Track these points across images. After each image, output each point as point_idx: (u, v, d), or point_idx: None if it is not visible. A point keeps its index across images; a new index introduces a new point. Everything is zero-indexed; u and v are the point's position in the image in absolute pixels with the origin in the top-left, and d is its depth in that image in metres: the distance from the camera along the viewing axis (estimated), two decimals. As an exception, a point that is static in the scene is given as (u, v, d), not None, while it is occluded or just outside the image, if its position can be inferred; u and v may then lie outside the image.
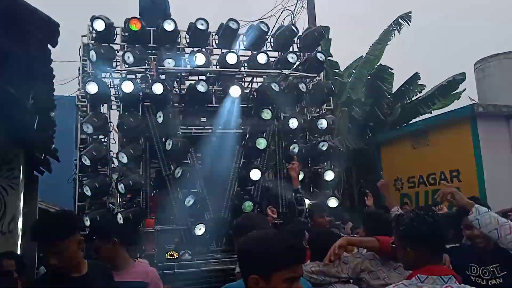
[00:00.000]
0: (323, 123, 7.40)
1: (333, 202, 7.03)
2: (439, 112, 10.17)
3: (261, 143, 6.94)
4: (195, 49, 7.18)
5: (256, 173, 6.83)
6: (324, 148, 7.31)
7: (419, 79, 11.46)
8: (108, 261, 2.81)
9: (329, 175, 7.25)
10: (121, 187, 6.28)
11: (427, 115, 10.59)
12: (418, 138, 8.77)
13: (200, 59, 6.90)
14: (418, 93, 11.58)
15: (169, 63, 6.87)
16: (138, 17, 7.02)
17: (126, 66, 6.86)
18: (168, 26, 6.87)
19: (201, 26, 6.98)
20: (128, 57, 6.63)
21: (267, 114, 7.03)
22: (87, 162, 6.30)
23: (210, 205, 6.72)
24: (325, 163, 7.82)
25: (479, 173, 7.37)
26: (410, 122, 10.60)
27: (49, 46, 2.37)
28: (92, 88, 6.28)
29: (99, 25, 6.63)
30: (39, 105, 3.48)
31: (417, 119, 10.66)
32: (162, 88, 6.47)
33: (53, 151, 6.25)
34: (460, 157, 7.77)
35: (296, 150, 7.24)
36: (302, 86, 7.35)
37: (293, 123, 7.26)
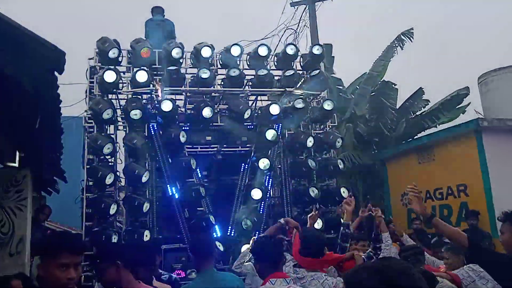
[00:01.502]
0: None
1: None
2: (445, 126, 10.16)
3: (263, 164, 7.00)
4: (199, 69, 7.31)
5: (257, 192, 6.86)
6: (341, 165, 7.48)
7: (423, 94, 11.49)
8: (113, 284, 2.82)
9: (344, 193, 7.27)
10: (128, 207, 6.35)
11: (432, 130, 10.58)
12: (423, 153, 8.76)
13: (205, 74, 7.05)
14: (422, 108, 11.60)
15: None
16: (148, 45, 7.12)
17: (132, 87, 6.99)
18: (176, 54, 7.03)
19: (205, 53, 7.14)
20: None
21: (270, 134, 7.10)
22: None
23: (216, 223, 6.75)
24: (332, 180, 7.87)
25: (486, 187, 7.33)
26: (415, 137, 10.59)
27: (56, 73, 2.46)
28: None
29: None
30: (47, 129, 3.56)
31: (422, 134, 10.64)
32: (171, 106, 6.60)
33: (60, 172, 6.33)
34: (466, 171, 7.74)
35: (313, 164, 7.31)
36: (298, 102, 7.39)
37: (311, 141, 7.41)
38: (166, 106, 6.59)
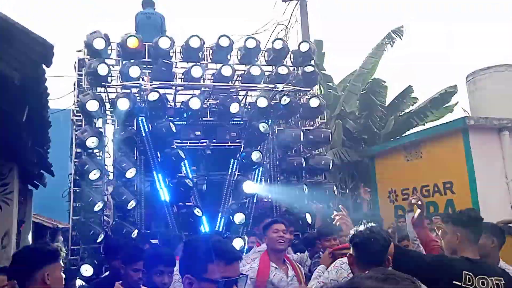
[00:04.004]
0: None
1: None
2: (432, 124, 10.27)
3: (256, 156, 7.00)
4: (190, 64, 7.27)
5: (249, 185, 6.87)
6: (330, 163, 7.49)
7: (412, 92, 11.59)
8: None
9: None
10: (115, 201, 6.31)
11: (420, 128, 10.69)
12: (411, 151, 8.84)
13: (196, 71, 6.98)
14: (410, 105, 11.71)
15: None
16: (137, 36, 7.05)
17: (121, 81, 6.94)
18: (164, 43, 6.95)
19: (194, 44, 7.07)
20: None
21: (262, 128, 7.09)
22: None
23: (205, 218, 6.75)
24: (321, 176, 7.92)
25: (471, 185, 7.42)
26: (403, 135, 10.69)
27: (44, 66, 2.43)
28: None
29: (99, 44, 6.63)
30: (34, 122, 3.52)
31: (410, 131, 10.75)
32: (158, 95, 6.56)
33: (47, 165, 6.26)
34: (453, 169, 7.83)
35: (301, 161, 7.36)
36: (284, 99, 7.40)
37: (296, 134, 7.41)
38: (153, 96, 6.56)
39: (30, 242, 7.66)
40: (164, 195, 6.69)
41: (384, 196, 9.55)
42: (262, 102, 7.15)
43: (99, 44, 6.65)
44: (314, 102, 7.55)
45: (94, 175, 6.17)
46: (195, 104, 6.71)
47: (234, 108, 7.06)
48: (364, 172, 10.61)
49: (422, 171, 8.49)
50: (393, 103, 11.72)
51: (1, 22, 2.05)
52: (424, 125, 11.05)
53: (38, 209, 10.55)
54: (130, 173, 6.35)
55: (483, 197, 7.18)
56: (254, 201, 7.20)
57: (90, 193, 6.27)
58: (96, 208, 6.11)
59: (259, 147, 7.30)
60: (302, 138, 7.50)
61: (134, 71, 6.65)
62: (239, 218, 6.64)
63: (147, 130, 6.84)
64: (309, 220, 6.91)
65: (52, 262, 2.32)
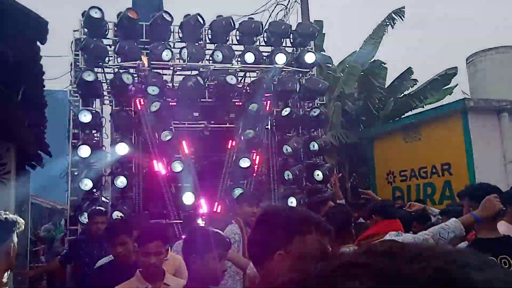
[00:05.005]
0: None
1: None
2: (432, 106, 10.23)
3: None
4: (187, 43, 7.17)
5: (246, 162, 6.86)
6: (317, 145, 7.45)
7: (412, 74, 11.50)
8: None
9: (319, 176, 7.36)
10: (118, 181, 6.32)
11: (419, 110, 10.66)
12: (410, 132, 8.84)
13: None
14: (410, 87, 11.63)
15: (167, 55, 6.87)
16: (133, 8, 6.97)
17: (119, 60, 6.86)
18: (163, 20, 6.84)
19: (192, 21, 6.98)
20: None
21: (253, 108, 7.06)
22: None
23: (204, 199, 6.76)
24: (319, 157, 7.90)
25: (469, 167, 7.45)
26: (402, 117, 10.66)
27: (38, 43, 2.38)
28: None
29: (96, 18, 6.55)
30: (30, 101, 3.48)
31: (409, 113, 10.72)
32: (158, 90, 6.52)
33: (45, 146, 6.24)
34: (451, 150, 7.85)
35: (296, 144, 7.32)
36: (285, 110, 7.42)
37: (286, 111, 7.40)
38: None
39: (29, 224, 7.70)
40: (162, 176, 6.68)
41: (382, 177, 9.60)
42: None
43: (96, 18, 6.58)
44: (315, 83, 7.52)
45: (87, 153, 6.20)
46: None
47: (231, 79, 7.00)
48: (362, 154, 10.61)
49: (420, 153, 8.51)
50: (392, 85, 11.63)
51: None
52: (423, 107, 10.99)
53: (37, 190, 10.57)
54: (124, 149, 6.36)
55: (481, 178, 7.19)
56: (251, 182, 7.20)
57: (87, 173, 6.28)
58: (83, 187, 6.11)
59: (257, 128, 7.27)
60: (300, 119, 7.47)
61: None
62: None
63: (145, 111, 6.78)
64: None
65: (14, 231, 1.91)
